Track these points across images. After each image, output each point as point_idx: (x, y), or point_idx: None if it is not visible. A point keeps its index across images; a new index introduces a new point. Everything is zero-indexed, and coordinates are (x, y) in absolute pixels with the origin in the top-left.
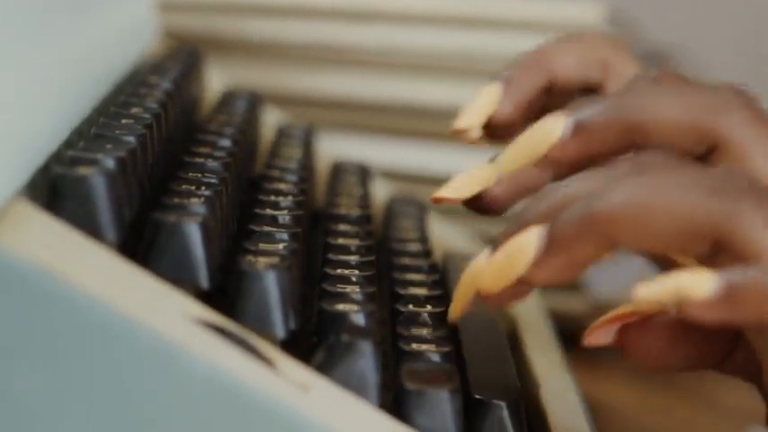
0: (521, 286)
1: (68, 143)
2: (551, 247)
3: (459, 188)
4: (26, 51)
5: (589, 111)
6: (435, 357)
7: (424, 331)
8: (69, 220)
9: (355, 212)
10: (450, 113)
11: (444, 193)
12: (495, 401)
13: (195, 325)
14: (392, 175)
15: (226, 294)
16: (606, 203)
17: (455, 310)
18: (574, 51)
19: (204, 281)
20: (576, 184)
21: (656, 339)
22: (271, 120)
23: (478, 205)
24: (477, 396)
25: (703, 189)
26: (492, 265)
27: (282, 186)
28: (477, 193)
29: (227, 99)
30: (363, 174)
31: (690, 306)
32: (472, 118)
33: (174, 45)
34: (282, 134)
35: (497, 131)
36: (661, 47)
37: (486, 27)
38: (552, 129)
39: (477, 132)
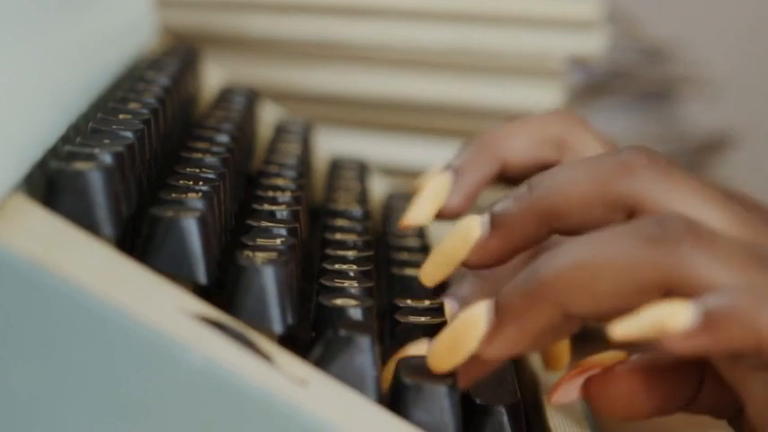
0: (474, 364)
1: (66, 138)
2: (501, 321)
3: (421, 213)
4: (24, 47)
5: (501, 205)
6: None
7: (422, 327)
8: (66, 215)
9: (353, 208)
10: (447, 109)
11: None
12: (495, 406)
13: (192, 320)
14: (390, 171)
15: (223, 290)
16: (550, 269)
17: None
18: (525, 133)
19: (202, 276)
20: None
21: (621, 389)
22: (269, 116)
23: (441, 218)
24: (478, 401)
25: (642, 240)
26: (441, 344)
27: (280, 182)
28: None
29: (225, 95)
30: (361, 170)
31: (669, 339)
32: (422, 214)
33: (172, 41)
34: (280, 130)
35: (447, 218)
36: (659, 43)
37: (485, 22)
38: (470, 230)
39: (428, 222)
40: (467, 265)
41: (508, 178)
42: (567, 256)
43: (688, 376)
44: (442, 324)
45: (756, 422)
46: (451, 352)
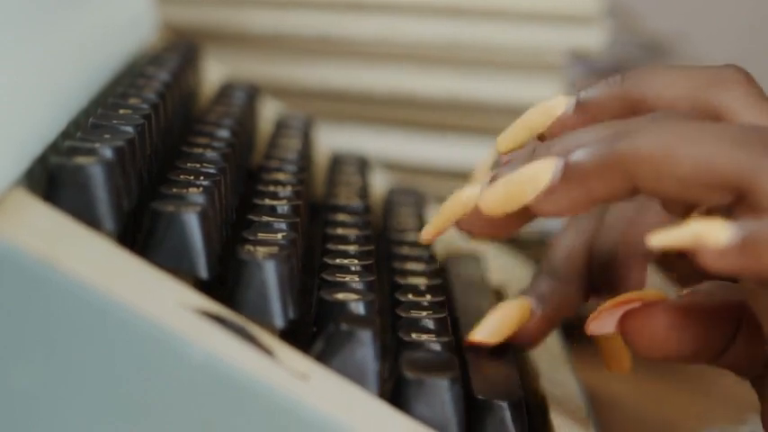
0: (519, 218)
1: (66, 134)
2: (567, 177)
3: (494, 332)
4: (25, 42)
5: (590, 90)
6: (435, 347)
7: (424, 320)
8: (67, 210)
9: (354, 203)
10: (448, 104)
11: (479, 337)
12: (497, 402)
13: (193, 314)
14: (391, 166)
15: (224, 284)
16: (631, 143)
17: (429, 231)
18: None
19: (203, 270)
20: (596, 129)
21: (657, 326)
22: (269, 111)
23: (517, 341)
24: (480, 396)
25: (729, 140)
26: (498, 188)
27: (281, 177)
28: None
29: (226, 91)
30: (362, 165)
31: (704, 253)
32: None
33: (172, 37)
34: (281, 125)
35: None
36: (659, 37)
37: (485, 17)
38: (553, 106)
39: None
40: (542, 138)
41: None
42: (652, 135)
43: (723, 325)
44: (444, 319)
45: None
46: (507, 198)
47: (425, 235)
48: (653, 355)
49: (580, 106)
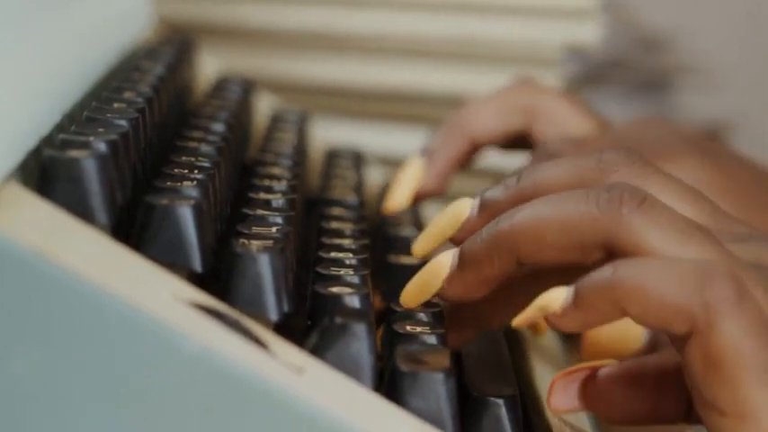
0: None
1: (60, 127)
2: (461, 265)
3: (399, 197)
4: (20, 36)
5: (491, 191)
6: (430, 339)
7: (419, 313)
8: (61, 203)
9: (349, 197)
10: (443, 99)
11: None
12: (492, 399)
13: (188, 307)
14: (386, 161)
15: (219, 278)
16: (508, 222)
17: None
18: (492, 105)
19: (197, 264)
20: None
21: (613, 391)
22: (264, 106)
23: (419, 200)
24: (475, 393)
25: (591, 201)
26: (412, 284)
27: (276, 171)
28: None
29: (221, 85)
30: (357, 159)
31: (552, 319)
32: (401, 197)
33: (167, 31)
34: (276, 120)
35: (424, 199)
36: (655, 32)
37: (481, 12)
38: (460, 210)
39: (407, 204)
40: (453, 240)
41: (482, 149)
42: (526, 211)
43: (675, 383)
44: (439, 313)
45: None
46: (420, 290)
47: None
48: (620, 419)
49: (483, 208)
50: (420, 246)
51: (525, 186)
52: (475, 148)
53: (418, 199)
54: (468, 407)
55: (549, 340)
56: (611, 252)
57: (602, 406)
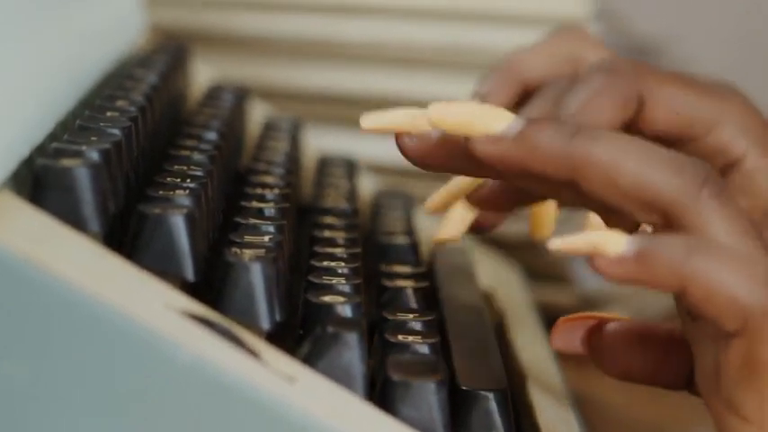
0: (456, 154)
1: (53, 136)
2: (519, 140)
3: (453, 229)
4: (12, 44)
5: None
6: (422, 348)
7: (411, 322)
8: (53, 212)
9: (342, 205)
10: None
11: (443, 236)
12: (482, 392)
13: (180, 316)
14: (378, 169)
15: (211, 287)
16: (587, 146)
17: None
18: (540, 52)
19: (189, 273)
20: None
21: (617, 344)
22: (257, 114)
23: (478, 232)
24: (464, 387)
25: (673, 167)
26: (457, 107)
27: (269, 179)
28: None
29: (214, 93)
30: (350, 167)
31: (599, 259)
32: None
33: (161, 39)
34: (269, 128)
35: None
36: (648, 40)
37: (474, 20)
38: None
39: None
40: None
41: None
42: (608, 143)
43: (682, 352)
44: (431, 320)
45: (699, 386)
46: (458, 118)
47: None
48: (618, 374)
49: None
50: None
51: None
52: (527, 94)
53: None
54: (458, 401)
55: (538, 334)
56: (670, 221)
57: (604, 358)
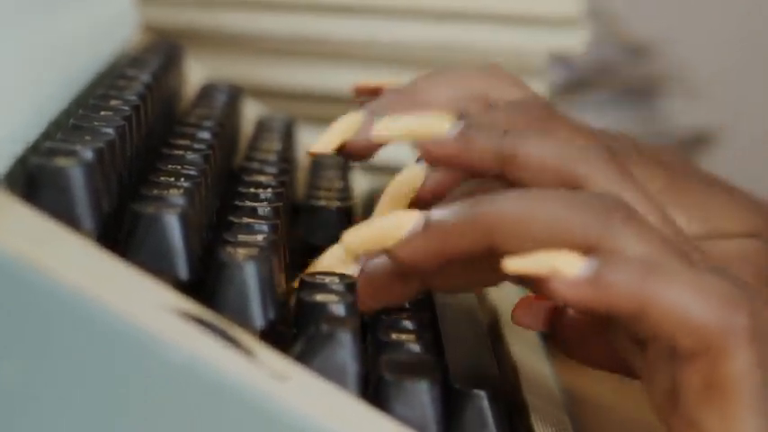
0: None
1: (46, 135)
2: (427, 230)
3: (327, 142)
4: (5, 43)
5: (476, 127)
6: (415, 347)
7: (404, 321)
8: (47, 211)
9: (335, 205)
10: None
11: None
12: (475, 391)
13: (173, 315)
14: (372, 168)
15: (205, 286)
16: (492, 204)
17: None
18: (448, 85)
19: (183, 272)
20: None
21: (578, 329)
22: (251, 113)
23: (346, 153)
24: (457, 386)
25: (580, 204)
26: (366, 229)
27: (262, 179)
28: (344, 141)
29: (207, 92)
30: (343, 166)
31: (556, 283)
32: (328, 143)
33: (153, 39)
34: (262, 127)
35: (352, 157)
36: (641, 40)
37: (466, 20)
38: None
39: (331, 152)
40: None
41: None
42: (512, 199)
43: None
44: (424, 319)
45: (654, 407)
46: (369, 239)
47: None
48: (580, 358)
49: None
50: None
51: (505, 145)
52: None
53: (342, 152)
54: (451, 400)
55: (533, 338)
56: (591, 255)
57: (566, 341)
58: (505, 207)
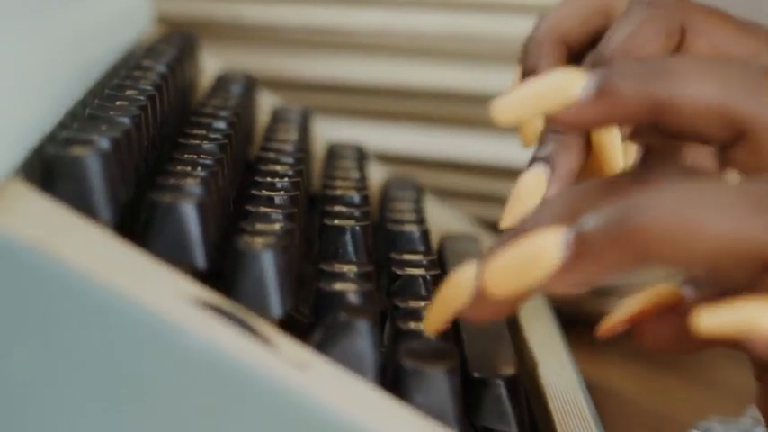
0: (523, 297)
1: (63, 125)
2: (579, 254)
3: (517, 212)
4: (22, 34)
5: (615, 74)
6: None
7: (422, 310)
8: (64, 201)
9: (352, 194)
10: (444, 96)
11: (509, 222)
12: (493, 379)
13: (191, 304)
14: (387, 159)
15: (222, 275)
16: (644, 215)
17: (431, 323)
18: (572, 9)
19: (201, 261)
20: (600, 191)
21: (670, 329)
22: (266, 103)
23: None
24: (476, 374)
25: (747, 207)
26: (500, 269)
27: (278, 168)
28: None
29: (223, 83)
30: (360, 156)
31: (758, 343)
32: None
33: (167, 30)
34: (278, 117)
35: None
36: None
37: (481, 9)
38: (570, 85)
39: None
40: (549, 122)
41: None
42: (668, 204)
43: None
44: None
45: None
46: (513, 279)
47: (428, 327)
48: (663, 352)
49: (601, 93)
50: (509, 107)
51: (660, 86)
52: (571, 54)
53: None
54: (469, 388)
55: (549, 321)
56: (745, 136)
57: (655, 340)
58: (664, 218)
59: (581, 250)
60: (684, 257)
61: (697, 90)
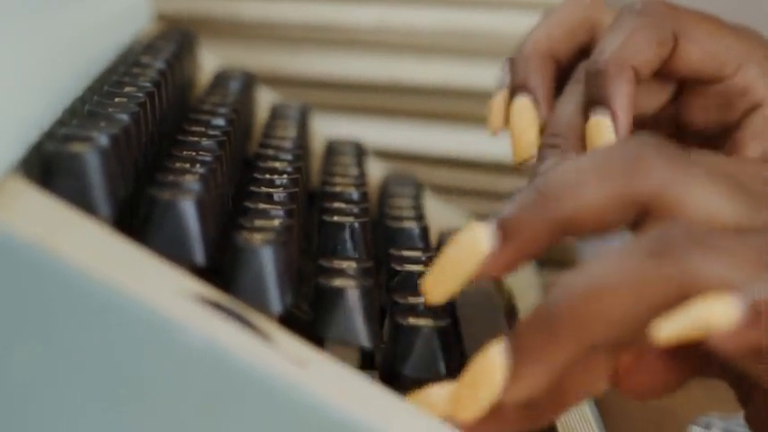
0: (498, 417)
1: (62, 122)
2: (519, 359)
3: (528, 143)
4: (21, 32)
5: (508, 211)
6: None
7: (421, 306)
8: (63, 197)
9: (351, 191)
10: (443, 92)
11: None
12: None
13: (191, 300)
14: (385, 155)
15: (221, 271)
16: (561, 304)
17: (435, 292)
18: (558, 26)
19: (200, 257)
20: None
21: (651, 372)
22: (265, 100)
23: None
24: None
25: (645, 257)
26: (458, 391)
27: (277, 165)
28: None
29: (221, 79)
30: (358, 152)
31: (716, 337)
32: (529, 143)
33: (165, 26)
34: (277, 114)
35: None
36: None
37: (479, 6)
38: (477, 242)
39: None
40: (475, 278)
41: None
42: (576, 287)
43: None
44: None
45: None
46: (471, 397)
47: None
48: (651, 396)
49: (506, 236)
50: (433, 293)
51: (552, 207)
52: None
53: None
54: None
55: None
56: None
57: (639, 386)
58: (575, 300)
59: (520, 355)
60: (608, 327)
61: (589, 193)
